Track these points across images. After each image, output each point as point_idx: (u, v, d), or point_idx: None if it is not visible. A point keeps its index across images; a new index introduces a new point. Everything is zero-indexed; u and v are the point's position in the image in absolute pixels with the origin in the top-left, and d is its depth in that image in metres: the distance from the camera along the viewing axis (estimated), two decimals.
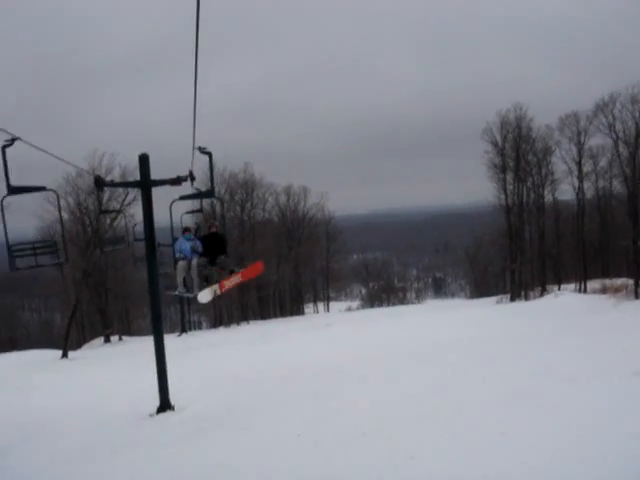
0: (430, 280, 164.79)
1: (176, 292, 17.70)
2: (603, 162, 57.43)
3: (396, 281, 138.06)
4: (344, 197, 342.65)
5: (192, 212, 21.54)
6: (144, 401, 17.35)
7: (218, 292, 17.55)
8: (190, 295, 17.59)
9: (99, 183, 17.54)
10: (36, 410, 19.46)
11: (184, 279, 17.44)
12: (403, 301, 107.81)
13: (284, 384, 19.15)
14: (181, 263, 17.33)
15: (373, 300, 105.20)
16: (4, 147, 13.20)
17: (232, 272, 17.95)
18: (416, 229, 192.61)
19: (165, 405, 16.79)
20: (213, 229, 18.36)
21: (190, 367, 23.79)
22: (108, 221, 48.51)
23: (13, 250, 14.27)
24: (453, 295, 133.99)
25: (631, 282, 47.81)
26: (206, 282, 17.69)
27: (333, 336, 34.18)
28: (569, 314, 33.25)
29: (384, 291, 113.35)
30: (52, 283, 67.02)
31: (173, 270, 17.70)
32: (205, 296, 17.04)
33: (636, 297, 44.23)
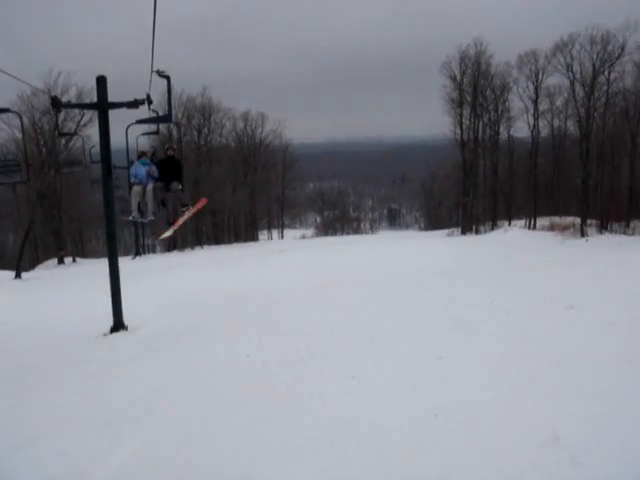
0: (385, 211, 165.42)
1: (130, 217, 17.78)
2: (559, 102, 58.30)
3: (351, 211, 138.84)
4: (304, 125, 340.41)
5: (148, 134, 20.81)
6: (98, 321, 17.57)
7: (175, 227, 18.30)
8: (144, 220, 17.83)
9: (56, 104, 17.51)
10: None
11: (139, 204, 17.37)
12: (357, 231, 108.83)
13: (236, 308, 19.65)
14: (136, 188, 17.23)
15: (327, 229, 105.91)
16: None
17: (185, 207, 18.15)
18: (375, 160, 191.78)
19: (118, 325, 17.13)
20: (170, 152, 18.28)
21: (143, 289, 24.03)
22: (63, 142, 47.97)
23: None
24: (407, 227, 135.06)
25: (579, 220, 49.13)
26: (162, 206, 17.96)
27: (286, 262, 34.86)
28: (515, 249, 34.17)
29: (339, 220, 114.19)
30: (4, 204, 66.04)
31: (128, 194, 17.69)
32: (165, 235, 17.78)
33: (582, 235, 45.53)
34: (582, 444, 6.17)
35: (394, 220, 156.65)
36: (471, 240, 48.94)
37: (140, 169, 17.36)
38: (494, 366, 9.14)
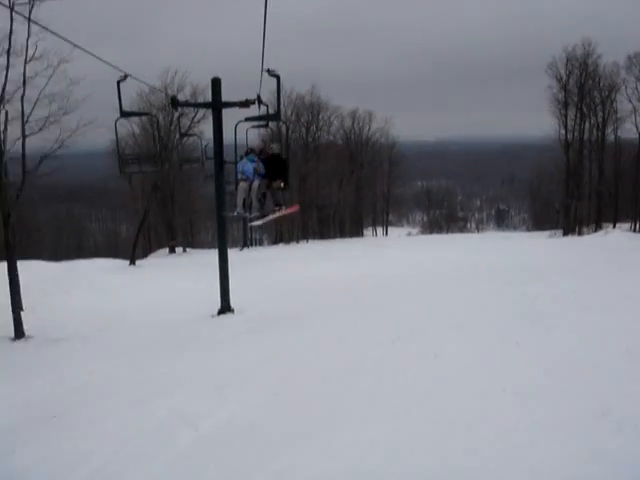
0: (493, 212, 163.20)
1: (235, 213, 18.10)
2: None
3: (459, 210, 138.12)
4: (414, 123, 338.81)
5: (258, 127, 21.66)
6: (207, 305, 19.20)
7: (265, 220, 18.53)
8: (249, 216, 18.15)
9: (175, 103, 19.32)
10: (107, 307, 21.63)
11: (244, 200, 17.59)
12: (463, 230, 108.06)
13: (336, 295, 20.77)
14: (242, 184, 17.47)
15: (433, 228, 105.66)
16: (118, 82, 16.53)
17: (277, 206, 18.18)
18: (484, 159, 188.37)
19: (226, 308, 18.66)
20: (270, 151, 18.42)
21: (249, 278, 25.39)
22: (177, 137, 50.13)
23: (122, 158, 18.78)
24: (515, 228, 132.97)
25: None
26: (261, 201, 18.27)
27: (385, 256, 35.95)
28: (612, 250, 33.85)
29: (445, 220, 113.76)
30: (120, 196, 68.98)
31: (235, 190, 18.34)
32: (257, 223, 18.54)
33: None
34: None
35: (502, 221, 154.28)
36: (570, 241, 48.58)
37: (247, 166, 17.55)
38: (564, 352, 9.79)
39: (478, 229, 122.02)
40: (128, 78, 16.20)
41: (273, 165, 17.58)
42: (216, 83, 18.00)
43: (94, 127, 24.75)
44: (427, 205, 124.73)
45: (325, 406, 8.29)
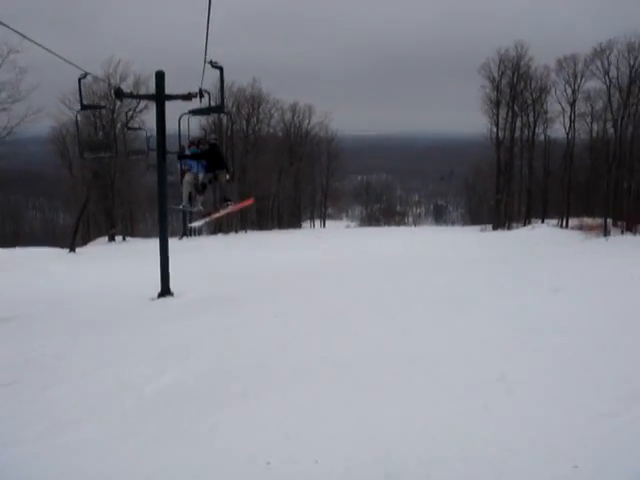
0: (431, 207, 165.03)
1: (181, 206, 18.37)
2: (599, 105, 58.89)
3: (398, 205, 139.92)
4: (353, 117, 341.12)
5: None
6: (146, 289, 19.91)
7: (208, 219, 18.99)
8: (194, 210, 18.39)
9: (119, 94, 20.12)
10: (50, 291, 22.25)
11: (190, 193, 17.85)
12: (400, 224, 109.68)
13: (269, 281, 21.88)
14: (187, 177, 17.78)
15: (371, 221, 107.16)
16: (80, 79, 17.83)
17: (226, 200, 18.50)
18: (423, 155, 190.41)
19: (165, 291, 19.50)
20: (210, 142, 18.40)
21: (188, 264, 26.18)
22: (118, 126, 50.53)
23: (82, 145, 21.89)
24: (453, 223, 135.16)
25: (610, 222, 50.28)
26: (201, 192, 18.34)
27: (320, 246, 37.40)
28: (536, 244, 35.71)
29: (384, 214, 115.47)
30: (57, 184, 68.64)
31: (178, 181, 18.90)
32: (197, 224, 19.15)
33: (605, 235, 46.52)
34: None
35: (440, 216, 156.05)
36: (497, 235, 50.71)
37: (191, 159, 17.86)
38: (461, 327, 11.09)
39: (415, 224, 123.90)
40: (89, 72, 17.29)
41: (213, 155, 17.73)
42: (160, 76, 18.72)
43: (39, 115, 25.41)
44: (365, 199, 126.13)
45: (254, 375, 9.36)
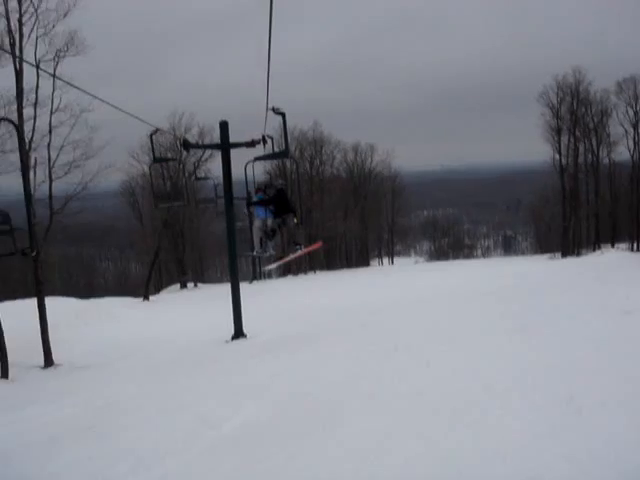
0: (500, 238, 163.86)
1: (254, 253, 18.15)
2: None
3: (465, 238, 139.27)
4: (416, 153, 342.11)
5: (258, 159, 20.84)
6: (220, 332, 20.64)
7: (280, 263, 19.33)
8: (266, 255, 18.23)
9: (186, 145, 21.02)
10: (129, 337, 23.17)
11: (260, 239, 17.65)
12: (469, 257, 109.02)
13: (338, 320, 22.22)
14: (257, 223, 17.61)
15: (439, 256, 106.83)
16: (151, 135, 19.68)
17: (296, 244, 18.18)
18: (488, 186, 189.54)
19: (239, 333, 20.10)
20: (278, 186, 18.21)
21: (259, 307, 26.73)
22: (188, 177, 51.95)
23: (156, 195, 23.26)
24: (523, 253, 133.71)
25: None
26: (270, 238, 18.03)
27: (388, 283, 37.78)
28: (604, 268, 35.36)
29: (452, 248, 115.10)
30: (127, 235, 70.60)
31: (247, 226, 19.69)
32: (270, 267, 19.33)
33: None
34: None
35: (509, 247, 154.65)
36: (566, 262, 50.17)
37: (259, 208, 17.66)
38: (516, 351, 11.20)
39: (484, 255, 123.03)
40: (160, 127, 18.23)
41: (280, 200, 17.41)
42: (224, 126, 19.61)
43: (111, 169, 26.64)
44: (433, 234, 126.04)
45: (329, 408, 9.67)
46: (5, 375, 18.33)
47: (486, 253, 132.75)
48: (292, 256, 18.73)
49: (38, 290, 21.34)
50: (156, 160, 23.10)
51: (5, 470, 8.85)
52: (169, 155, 50.06)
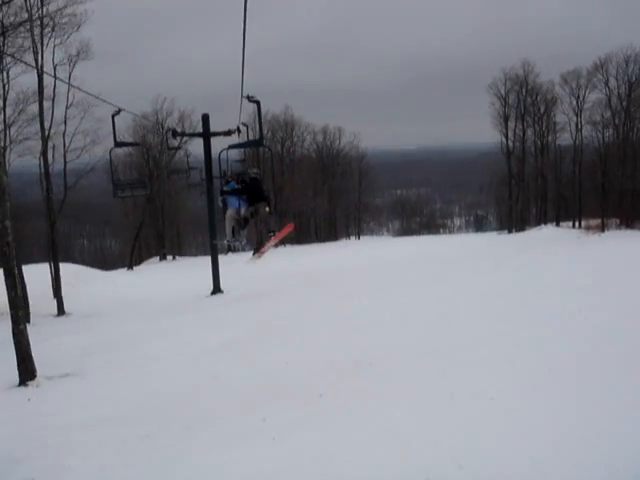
0: (471, 218, 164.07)
1: (226, 241, 18.39)
2: (607, 114, 61.94)
3: (438, 218, 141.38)
4: (394, 133, 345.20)
5: (232, 147, 22.69)
6: (201, 290, 25.18)
7: (260, 257, 18.55)
8: (239, 244, 18.24)
9: (174, 134, 25.13)
10: (123, 294, 27.48)
11: (232, 228, 17.61)
12: (436, 234, 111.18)
13: (300, 280, 26.87)
14: (229, 212, 17.38)
15: (408, 233, 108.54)
16: (113, 116, 21.15)
17: (271, 233, 17.79)
18: (467, 165, 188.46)
19: (216, 289, 24.84)
20: (251, 175, 17.65)
21: (233, 271, 30.49)
22: (167, 155, 55.68)
23: (116, 184, 22.99)
24: (494, 231, 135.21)
25: (617, 221, 54.42)
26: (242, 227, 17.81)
27: (349, 252, 44.31)
28: (533, 241, 40.33)
29: (424, 227, 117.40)
30: (104, 212, 73.55)
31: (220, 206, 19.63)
32: (250, 263, 19.26)
33: (602, 231, 50.32)
34: None
35: (480, 226, 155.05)
36: (506, 237, 56.07)
37: (232, 196, 17.45)
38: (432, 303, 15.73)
39: (452, 233, 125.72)
40: (124, 108, 20.66)
41: (254, 189, 17.10)
42: (206, 118, 23.94)
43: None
44: (401, 213, 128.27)
45: (287, 325, 14.19)
46: (27, 320, 22.53)
47: (456, 231, 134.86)
48: (268, 244, 18.22)
49: (54, 252, 26.62)
50: (117, 144, 22.93)
51: (60, 364, 13.03)
52: (150, 137, 54.19)
